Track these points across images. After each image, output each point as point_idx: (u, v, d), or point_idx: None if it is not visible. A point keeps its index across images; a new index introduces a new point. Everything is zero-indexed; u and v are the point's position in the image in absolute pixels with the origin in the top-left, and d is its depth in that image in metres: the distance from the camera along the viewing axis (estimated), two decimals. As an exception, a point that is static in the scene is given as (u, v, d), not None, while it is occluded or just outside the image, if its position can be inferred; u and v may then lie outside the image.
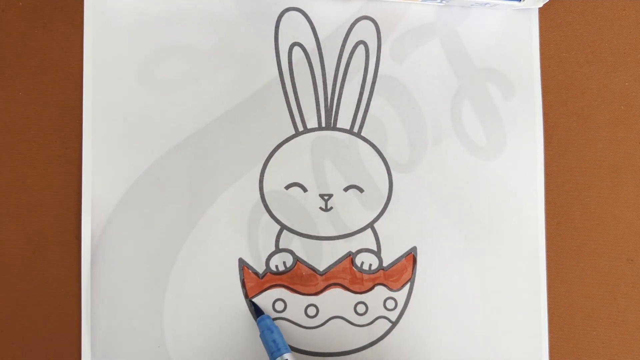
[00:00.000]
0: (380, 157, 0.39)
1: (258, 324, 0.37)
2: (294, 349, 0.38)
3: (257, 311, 0.37)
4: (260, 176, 0.39)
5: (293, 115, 0.39)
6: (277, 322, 0.38)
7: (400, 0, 0.39)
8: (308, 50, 0.39)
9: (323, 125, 0.39)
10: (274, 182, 0.39)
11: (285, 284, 0.38)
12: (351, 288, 0.39)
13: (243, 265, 0.38)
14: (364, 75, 0.39)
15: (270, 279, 0.38)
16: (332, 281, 0.39)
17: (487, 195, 0.39)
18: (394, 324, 0.39)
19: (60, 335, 0.38)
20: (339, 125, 0.39)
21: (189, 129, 0.38)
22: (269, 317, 0.37)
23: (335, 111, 0.39)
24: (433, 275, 0.39)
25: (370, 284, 0.39)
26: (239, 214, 0.38)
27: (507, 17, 0.40)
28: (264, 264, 0.38)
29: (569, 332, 0.39)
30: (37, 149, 0.38)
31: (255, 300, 0.38)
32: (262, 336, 0.36)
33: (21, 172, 0.38)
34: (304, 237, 0.39)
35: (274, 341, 0.35)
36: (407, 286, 0.39)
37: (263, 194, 0.38)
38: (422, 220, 0.39)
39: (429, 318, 0.39)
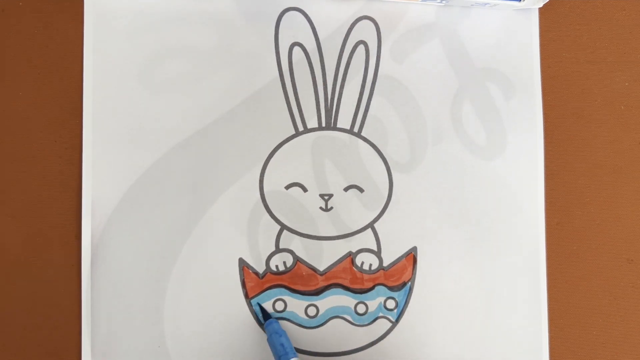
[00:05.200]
0: (381, 157, 0.39)
1: (265, 327, 0.36)
2: (295, 349, 0.38)
3: (264, 315, 0.37)
4: (261, 176, 0.39)
5: (293, 115, 0.39)
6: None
7: (401, 0, 0.39)
8: (308, 50, 0.39)
9: (323, 125, 0.39)
10: (274, 182, 0.39)
11: (286, 284, 0.38)
12: (351, 288, 0.39)
13: (243, 265, 0.38)
14: (364, 75, 0.39)
15: (270, 278, 0.38)
16: (332, 281, 0.39)
17: (487, 195, 0.40)
18: (394, 324, 0.39)
19: (60, 335, 0.38)
20: (339, 125, 0.39)
21: (189, 129, 0.38)
22: (276, 321, 0.37)
23: (335, 111, 0.39)
24: (433, 275, 0.39)
25: (371, 284, 0.39)
26: (239, 214, 0.38)
27: (507, 17, 0.40)
28: (264, 264, 0.38)
29: (569, 332, 0.39)
30: (37, 149, 0.38)
31: (255, 300, 0.38)
32: (270, 339, 0.35)
33: (21, 172, 0.38)
34: (304, 237, 0.39)
35: (282, 345, 0.35)
36: (407, 286, 0.39)
37: (263, 194, 0.38)
38: (422, 220, 0.39)
39: (429, 318, 0.39)
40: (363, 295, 0.39)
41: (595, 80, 0.40)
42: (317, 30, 0.39)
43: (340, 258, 0.39)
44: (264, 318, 0.37)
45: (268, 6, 0.39)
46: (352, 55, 0.39)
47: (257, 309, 0.38)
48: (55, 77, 0.38)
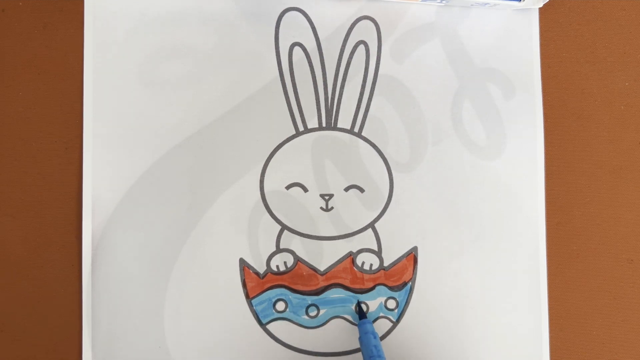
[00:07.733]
0: (381, 157, 0.39)
1: (359, 326, 0.37)
2: (295, 349, 0.38)
3: (360, 314, 0.38)
4: (261, 176, 0.38)
5: (293, 115, 0.39)
6: (278, 322, 0.38)
7: (401, 0, 0.39)
8: (308, 50, 0.39)
9: (323, 125, 0.39)
10: (275, 182, 0.39)
11: (286, 284, 0.38)
12: (352, 288, 0.39)
13: (244, 265, 0.38)
14: (364, 75, 0.39)
15: (271, 279, 0.38)
16: (332, 281, 0.39)
17: (487, 195, 0.40)
18: (395, 324, 0.39)
19: (60, 335, 0.38)
20: (339, 125, 0.39)
21: (189, 129, 0.38)
22: (370, 321, 0.37)
23: (335, 111, 0.39)
24: (434, 275, 0.39)
25: (371, 284, 0.39)
26: (239, 214, 0.38)
27: (507, 17, 0.40)
28: (265, 264, 0.38)
29: (569, 332, 0.39)
30: (37, 149, 0.38)
31: (255, 300, 0.38)
32: (362, 339, 0.36)
33: (21, 172, 0.38)
34: (304, 237, 0.39)
35: (374, 346, 0.35)
36: (408, 286, 0.39)
37: (264, 194, 0.38)
38: (422, 220, 0.39)
39: (430, 318, 0.39)
40: (364, 295, 0.39)
41: (595, 80, 0.40)
42: (317, 30, 0.39)
43: (341, 258, 0.39)
44: (359, 317, 0.37)
45: (268, 6, 0.39)
46: (352, 55, 0.39)
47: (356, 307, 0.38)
48: (55, 77, 0.38)
